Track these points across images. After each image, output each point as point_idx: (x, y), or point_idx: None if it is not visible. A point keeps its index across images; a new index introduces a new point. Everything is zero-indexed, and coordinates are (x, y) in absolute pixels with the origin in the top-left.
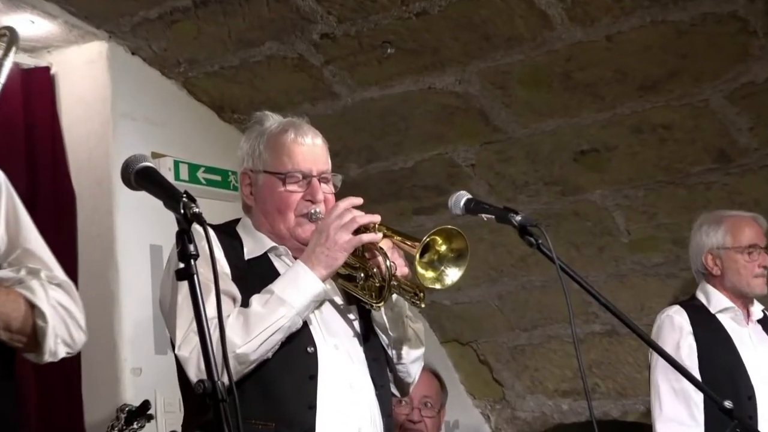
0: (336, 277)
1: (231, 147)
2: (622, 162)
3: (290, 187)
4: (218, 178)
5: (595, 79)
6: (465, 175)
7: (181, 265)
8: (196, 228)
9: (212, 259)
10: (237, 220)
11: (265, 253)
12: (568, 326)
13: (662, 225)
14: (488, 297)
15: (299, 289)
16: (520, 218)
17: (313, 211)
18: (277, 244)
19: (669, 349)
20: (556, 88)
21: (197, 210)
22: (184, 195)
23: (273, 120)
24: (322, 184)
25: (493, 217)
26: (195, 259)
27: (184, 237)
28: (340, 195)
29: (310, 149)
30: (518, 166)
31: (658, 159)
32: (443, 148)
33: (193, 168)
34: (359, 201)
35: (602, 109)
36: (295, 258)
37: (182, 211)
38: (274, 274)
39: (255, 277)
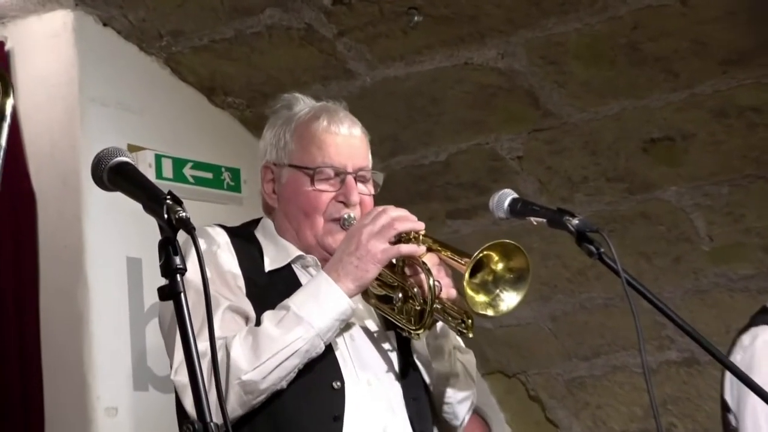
0: (370, 296)
1: (224, 138)
2: (701, 153)
3: (320, 186)
4: (209, 175)
5: (667, 51)
6: (510, 169)
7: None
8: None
9: (202, 272)
10: (255, 222)
11: (289, 264)
12: (638, 354)
13: (751, 229)
14: (540, 319)
15: (321, 306)
16: (577, 222)
17: (345, 215)
18: (303, 254)
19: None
20: (621, 64)
21: (184, 214)
22: (168, 196)
23: (304, 104)
24: (358, 184)
25: (545, 220)
26: (182, 274)
27: (168, 247)
28: None
29: (345, 140)
30: (575, 158)
31: (745, 149)
32: (483, 138)
33: (179, 163)
34: (402, 212)
35: (677, 88)
36: (324, 266)
37: (166, 215)
38: (295, 288)
39: (276, 293)
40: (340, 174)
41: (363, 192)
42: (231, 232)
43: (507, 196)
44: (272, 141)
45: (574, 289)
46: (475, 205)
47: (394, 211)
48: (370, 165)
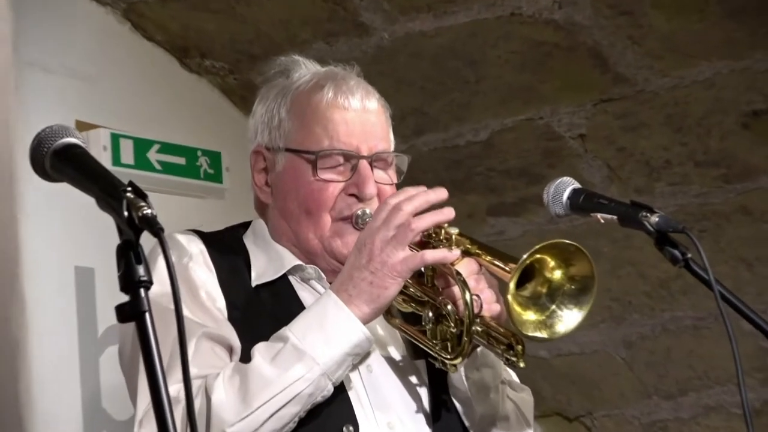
0: (393, 315)
1: (200, 113)
2: None
3: (325, 175)
4: (181, 160)
5: None
6: (570, 151)
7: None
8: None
9: (173, 286)
10: (245, 226)
11: (285, 276)
12: (736, 390)
13: None
14: (609, 344)
15: (328, 336)
16: (657, 219)
17: (359, 212)
18: (303, 263)
19: None
20: (713, 14)
21: (149, 211)
22: (129, 188)
23: (305, 70)
24: (375, 171)
25: (615, 218)
26: (147, 288)
27: (128, 254)
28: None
29: (358, 116)
30: (654, 136)
31: None
32: (535, 111)
33: (142, 145)
34: (427, 194)
35: None
36: (331, 284)
37: (126, 213)
38: (295, 310)
39: (265, 315)
40: (351, 159)
41: (382, 181)
42: (208, 239)
43: (566, 186)
44: (264, 118)
45: (654, 307)
46: (526, 198)
47: (408, 203)
48: (392, 146)
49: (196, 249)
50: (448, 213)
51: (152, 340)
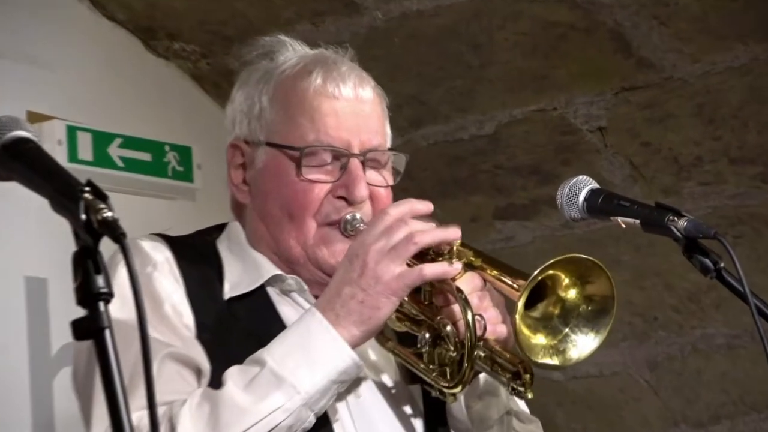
0: (384, 336)
1: (169, 102)
2: None
3: (311, 174)
4: (146, 156)
5: None
6: (587, 146)
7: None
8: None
9: (136, 298)
10: (219, 229)
11: (263, 288)
12: None
13: None
14: (632, 366)
15: (311, 361)
16: (686, 224)
17: (349, 216)
18: (283, 273)
19: None
20: None
21: (110, 214)
22: (87, 188)
23: (292, 52)
24: (368, 171)
25: (638, 222)
26: (107, 302)
27: (86, 263)
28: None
29: (350, 107)
30: (683, 130)
31: None
32: (548, 100)
33: (102, 139)
34: (426, 207)
35: None
36: (317, 298)
37: (83, 216)
38: (274, 327)
39: (239, 331)
40: (340, 157)
41: (375, 182)
42: (176, 244)
43: (583, 186)
44: (243, 107)
45: (682, 323)
46: (537, 200)
47: (415, 221)
48: (388, 142)
49: (161, 256)
50: (454, 233)
51: (112, 361)
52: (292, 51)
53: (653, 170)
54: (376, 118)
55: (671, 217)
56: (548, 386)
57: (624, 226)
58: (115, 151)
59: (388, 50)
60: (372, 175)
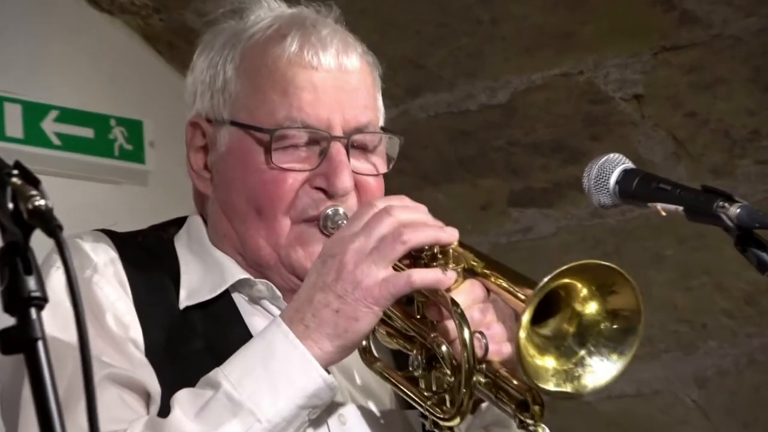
0: (371, 355)
1: (116, 68)
2: None
3: (283, 161)
4: (88, 132)
5: None
6: (621, 118)
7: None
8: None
9: (75, 304)
10: (178, 223)
11: (227, 294)
12: None
13: None
14: (676, 382)
15: (274, 383)
16: (739, 211)
17: (330, 211)
18: (251, 276)
19: None
20: None
21: (42, 202)
22: (15, 171)
23: (266, 11)
24: (354, 156)
25: (682, 209)
26: (40, 308)
27: (14, 261)
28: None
29: (331, 79)
30: (736, 97)
31: None
32: (573, 63)
33: (35, 112)
34: (417, 211)
35: None
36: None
37: (10, 204)
38: (240, 342)
39: (197, 347)
40: (319, 140)
41: (362, 170)
42: (123, 242)
43: (615, 166)
44: (205, 77)
45: (737, 330)
46: (561, 182)
47: (402, 211)
48: (380, 120)
49: (105, 257)
50: (452, 234)
51: (47, 378)
52: (267, 9)
53: (700, 146)
54: (365, 92)
55: (722, 203)
56: (576, 408)
57: (664, 213)
58: (49, 126)
59: (379, 3)
60: (358, 161)
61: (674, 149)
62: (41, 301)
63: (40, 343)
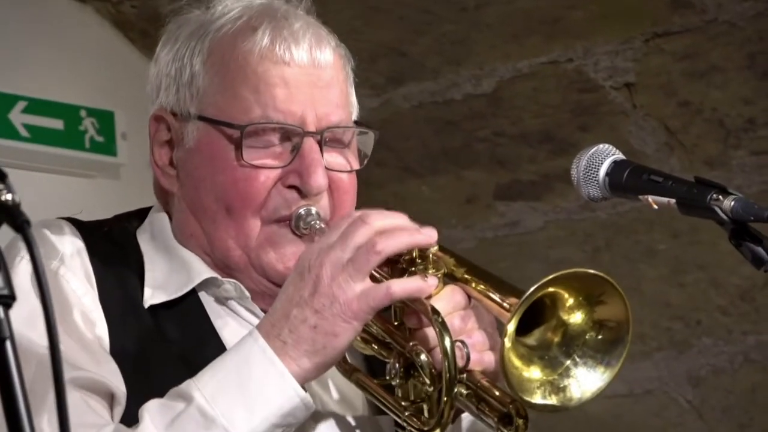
0: (347, 364)
1: (86, 56)
2: None
3: (254, 158)
4: (57, 124)
5: None
6: (611, 108)
7: None
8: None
9: (44, 302)
10: (141, 214)
11: (194, 293)
12: None
13: None
14: (669, 382)
15: (249, 399)
16: (733, 204)
17: (302, 211)
18: (218, 276)
19: None
20: None
21: (9, 197)
22: None
23: (233, 2)
24: (327, 153)
25: (673, 201)
26: (6, 306)
27: None
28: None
29: (304, 74)
30: (731, 85)
31: None
32: (561, 50)
33: (1, 103)
34: (409, 227)
35: None
36: (264, 310)
37: None
38: (207, 344)
39: (164, 348)
40: (292, 136)
41: (335, 167)
42: (89, 233)
43: (605, 157)
44: (170, 69)
45: (732, 327)
46: (549, 174)
47: (377, 217)
48: (352, 116)
49: (71, 248)
50: (429, 235)
51: (15, 380)
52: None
53: (694, 137)
54: (338, 88)
55: (715, 196)
56: (567, 411)
57: (656, 207)
58: (17, 117)
59: None
60: (332, 157)
61: (667, 140)
62: (9, 300)
63: (8, 343)
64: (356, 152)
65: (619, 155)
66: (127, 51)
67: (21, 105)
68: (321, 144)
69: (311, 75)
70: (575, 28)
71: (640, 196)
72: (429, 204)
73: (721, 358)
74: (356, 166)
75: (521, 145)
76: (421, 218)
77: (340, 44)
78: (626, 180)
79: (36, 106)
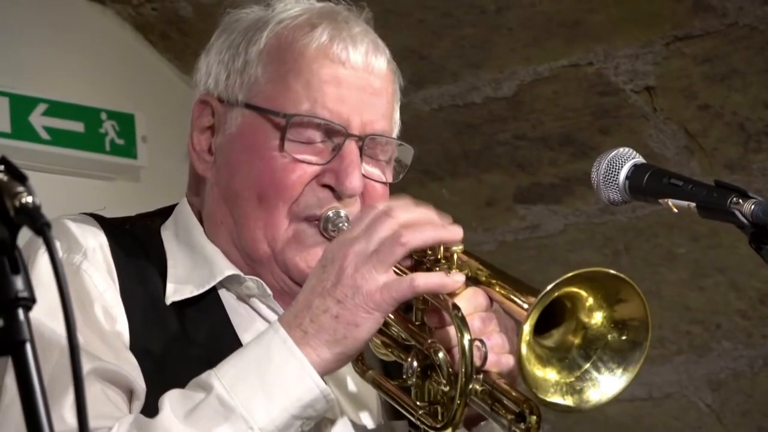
0: (363, 364)
1: (106, 57)
2: None
3: (296, 150)
4: (78, 126)
5: None
6: (631, 111)
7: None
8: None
9: (64, 302)
10: (166, 212)
11: (214, 291)
12: None
13: None
14: (689, 386)
15: (269, 390)
16: (754, 207)
17: (331, 213)
18: (241, 273)
19: None
20: None
21: (30, 199)
22: (2, 165)
23: (293, 0)
24: (366, 160)
25: (693, 205)
26: (28, 309)
27: (1, 260)
28: None
29: (356, 77)
30: (752, 89)
31: None
32: (582, 53)
33: (22, 105)
34: (435, 222)
35: None
36: (285, 307)
37: None
38: (226, 341)
39: (182, 344)
40: (335, 135)
41: (372, 175)
42: (112, 228)
43: (625, 160)
44: (224, 56)
45: (752, 331)
46: (570, 177)
47: (402, 211)
48: (395, 131)
49: (93, 242)
50: (455, 232)
51: (35, 381)
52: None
53: (714, 140)
54: (385, 99)
55: (735, 199)
56: (583, 413)
57: (676, 210)
58: (38, 119)
59: None
60: (369, 166)
61: (687, 143)
62: (29, 302)
63: (27, 346)
64: (393, 168)
65: (640, 159)
66: (148, 53)
67: (41, 107)
68: (361, 149)
69: (363, 79)
70: (596, 32)
71: (661, 200)
72: (449, 207)
73: (741, 362)
74: (391, 179)
75: (541, 149)
76: None
77: (393, 60)
78: (646, 183)
79: (56, 109)
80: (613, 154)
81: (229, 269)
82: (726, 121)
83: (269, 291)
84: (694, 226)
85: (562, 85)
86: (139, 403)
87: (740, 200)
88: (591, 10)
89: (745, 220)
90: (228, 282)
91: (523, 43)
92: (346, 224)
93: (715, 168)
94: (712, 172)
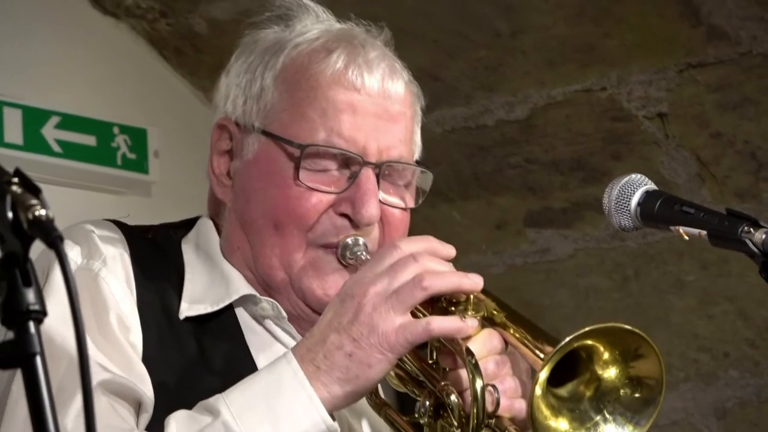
0: (377, 398)
1: (119, 71)
2: None
3: (311, 180)
4: (90, 140)
5: None
6: (643, 137)
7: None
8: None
9: (75, 317)
10: (188, 225)
11: (230, 309)
12: None
13: None
14: (695, 413)
15: (276, 421)
16: (764, 237)
17: (350, 240)
18: (257, 294)
19: None
20: None
21: (43, 212)
22: (15, 179)
23: (313, 22)
24: (384, 186)
25: (704, 233)
26: (39, 322)
27: (13, 273)
28: None
29: (372, 103)
30: (764, 119)
31: None
32: (595, 78)
33: (35, 117)
34: (447, 250)
35: None
36: (300, 331)
37: (10, 213)
38: (238, 361)
39: (195, 361)
40: (351, 164)
41: (390, 202)
42: (134, 237)
43: (637, 187)
44: (242, 80)
45: (759, 360)
46: (580, 203)
47: (428, 259)
48: (415, 155)
49: (114, 250)
50: (476, 282)
51: (44, 394)
52: (315, 18)
53: (726, 168)
54: (403, 124)
55: (747, 228)
56: None
57: (687, 237)
58: (50, 132)
59: (395, 10)
60: (387, 192)
61: (698, 170)
62: (40, 315)
63: (38, 359)
64: (413, 191)
65: (652, 185)
66: (161, 68)
67: (54, 120)
68: (378, 176)
69: (379, 105)
70: (609, 57)
71: (672, 227)
72: (459, 229)
73: (748, 391)
74: (411, 204)
75: (553, 173)
76: (451, 243)
77: (413, 81)
78: (658, 210)
79: (69, 122)
80: (625, 180)
81: (245, 288)
82: (738, 149)
83: (284, 313)
84: (704, 253)
85: (575, 109)
86: (147, 415)
87: (751, 229)
88: (605, 35)
89: (756, 249)
90: (243, 301)
91: (537, 67)
92: (364, 252)
93: (725, 196)
94: (722, 200)
